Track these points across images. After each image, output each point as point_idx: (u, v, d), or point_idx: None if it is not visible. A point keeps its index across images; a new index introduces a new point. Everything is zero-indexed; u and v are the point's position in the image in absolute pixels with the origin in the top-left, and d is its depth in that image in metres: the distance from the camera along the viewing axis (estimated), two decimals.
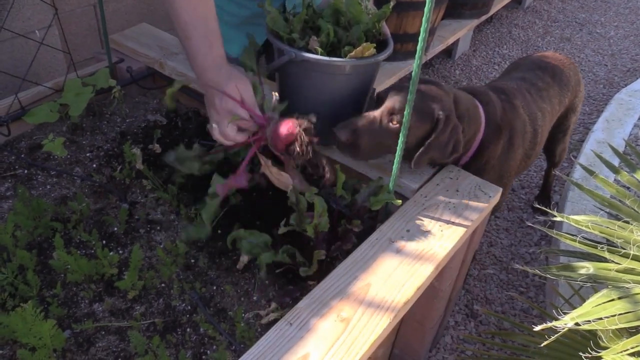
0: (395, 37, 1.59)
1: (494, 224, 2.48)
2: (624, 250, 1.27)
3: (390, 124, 1.30)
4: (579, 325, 1.13)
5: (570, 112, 2.07)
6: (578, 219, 1.36)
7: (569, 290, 1.69)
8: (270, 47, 1.41)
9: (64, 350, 1.11)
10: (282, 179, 1.25)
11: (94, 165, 1.53)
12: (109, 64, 1.72)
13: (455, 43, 3.73)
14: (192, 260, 1.32)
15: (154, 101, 1.79)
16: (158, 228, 1.39)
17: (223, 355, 1.11)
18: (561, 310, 1.19)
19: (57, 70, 2.06)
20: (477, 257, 2.28)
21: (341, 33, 1.36)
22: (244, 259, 1.28)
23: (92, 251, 1.30)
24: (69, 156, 1.54)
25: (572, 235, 1.35)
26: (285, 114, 1.25)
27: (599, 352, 1.14)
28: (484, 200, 1.34)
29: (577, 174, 2.47)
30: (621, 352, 1.13)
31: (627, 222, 1.37)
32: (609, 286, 1.18)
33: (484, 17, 3.85)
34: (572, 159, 2.73)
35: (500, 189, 1.38)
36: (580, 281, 1.24)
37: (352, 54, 1.28)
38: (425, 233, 1.23)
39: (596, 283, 1.23)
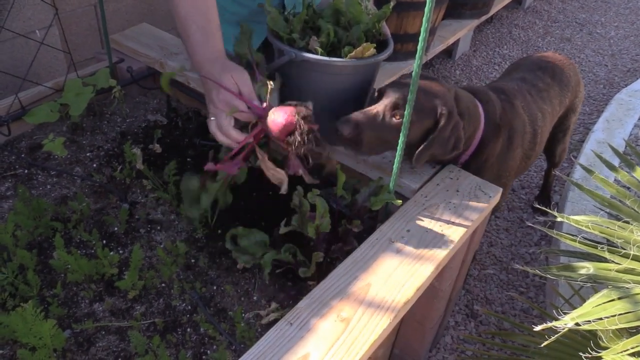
0: (396, 37, 1.60)
1: (494, 224, 2.48)
2: (624, 251, 1.27)
3: (393, 118, 1.30)
4: (579, 325, 1.13)
5: (570, 113, 2.07)
6: (578, 219, 1.36)
7: (569, 290, 1.69)
8: (270, 47, 1.41)
9: (64, 350, 1.11)
10: (277, 174, 1.24)
11: (94, 165, 1.53)
12: (110, 64, 1.72)
13: (456, 43, 3.73)
14: (193, 260, 1.33)
15: (155, 101, 1.79)
16: (158, 228, 1.39)
17: (223, 355, 1.11)
18: (561, 311, 1.19)
19: (58, 70, 2.06)
20: (477, 257, 2.28)
21: (341, 33, 1.36)
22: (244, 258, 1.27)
23: (93, 251, 1.30)
24: (69, 156, 1.54)
25: (572, 235, 1.35)
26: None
27: (599, 352, 1.14)
28: (484, 201, 1.34)
29: (577, 174, 2.47)
30: (621, 352, 1.13)
31: (627, 222, 1.36)
32: (609, 286, 1.18)
33: (484, 17, 3.85)
34: (572, 159, 2.73)
35: (501, 189, 1.38)
36: (580, 281, 1.24)
37: (352, 54, 1.28)
38: (425, 233, 1.23)
39: (596, 283, 1.23)
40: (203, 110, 1.70)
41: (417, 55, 1.06)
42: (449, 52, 3.82)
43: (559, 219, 1.38)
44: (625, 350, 1.13)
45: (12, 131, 1.52)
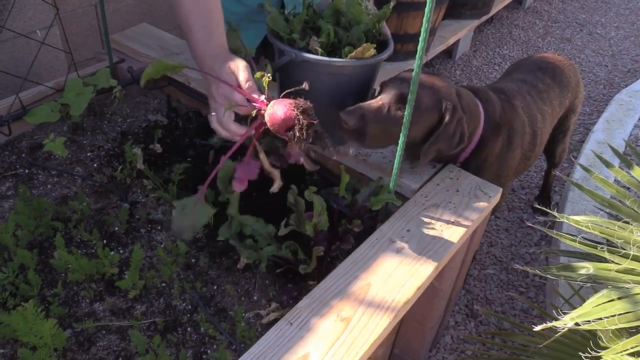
0: (396, 38, 1.60)
1: (494, 224, 2.48)
2: (623, 251, 1.27)
3: (399, 111, 1.29)
4: (579, 325, 1.13)
5: (570, 113, 2.07)
6: (578, 219, 1.36)
7: (569, 290, 1.69)
8: (269, 46, 1.41)
9: (64, 350, 1.11)
10: (272, 172, 1.23)
11: (95, 165, 1.53)
12: (110, 64, 1.72)
13: (456, 43, 3.73)
14: (193, 260, 1.33)
15: (155, 101, 1.79)
16: (159, 228, 1.40)
17: (223, 354, 1.11)
18: (561, 311, 1.19)
19: (58, 70, 2.07)
20: (477, 257, 2.28)
21: (341, 33, 1.36)
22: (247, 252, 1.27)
23: (93, 251, 1.30)
24: (69, 156, 1.54)
25: (572, 235, 1.35)
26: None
27: (598, 352, 1.14)
28: (484, 201, 1.34)
29: (577, 174, 2.47)
30: (621, 352, 1.13)
31: (627, 223, 1.37)
32: (609, 286, 1.18)
33: (484, 18, 3.86)
34: (572, 159, 2.73)
35: (500, 189, 1.38)
36: (580, 281, 1.24)
37: (353, 54, 1.28)
38: (425, 233, 1.23)
39: (596, 283, 1.23)
40: (203, 110, 1.71)
41: (417, 56, 1.07)
42: (449, 53, 3.82)
43: (559, 219, 1.39)
44: (624, 350, 1.13)
45: (12, 131, 1.52)
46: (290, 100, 1.12)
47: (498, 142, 1.56)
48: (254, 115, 1.18)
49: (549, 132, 1.94)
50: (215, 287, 1.27)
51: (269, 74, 1.18)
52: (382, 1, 1.43)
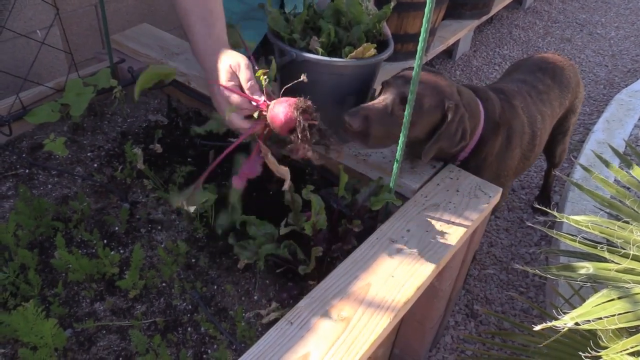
0: (396, 38, 1.60)
1: (494, 224, 2.48)
2: (623, 251, 1.27)
3: (402, 112, 1.29)
4: (579, 325, 1.13)
5: (570, 114, 2.07)
6: (578, 219, 1.36)
7: (569, 290, 1.70)
8: (269, 44, 1.41)
9: (65, 350, 1.11)
10: (281, 170, 1.22)
11: (95, 165, 1.53)
12: (110, 64, 1.72)
13: (456, 43, 3.74)
14: (193, 260, 1.33)
15: (155, 101, 1.79)
16: (159, 228, 1.40)
17: (224, 354, 1.11)
18: (561, 310, 1.19)
19: (59, 70, 2.07)
20: (477, 257, 2.28)
21: (342, 33, 1.36)
22: (246, 254, 1.27)
23: (94, 250, 1.30)
24: (70, 156, 1.54)
25: (572, 235, 1.35)
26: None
27: (598, 352, 1.14)
28: (484, 201, 1.34)
29: (577, 174, 2.47)
30: (621, 351, 1.14)
31: (627, 222, 1.37)
32: (609, 286, 1.18)
33: (484, 18, 3.86)
34: (572, 159, 2.74)
35: (500, 189, 1.39)
36: (580, 281, 1.24)
37: (353, 54, 1.28)
38: (425, 233, 1.23)
39: (596, 283, 1.24)
40: (203, 110, 1.71)
41: (417, 56, 1.07)
42: (449, 53, 3.82)
43: (559, 219, 1.39)
44: (624, 350, 1.13)
45: (13, 131, 1.52)
46: (291, 101, 1.10)
47: (497, 141, 1.56)
48: (256, 116, 1.18)
49: (549, 133, 1.94)
50: (215, 287, 1.27)
51: (268, 75, 1.16)
52: (382, 1, 1.43)
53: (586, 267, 1.26)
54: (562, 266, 1.29)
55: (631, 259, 1.24)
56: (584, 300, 1.19)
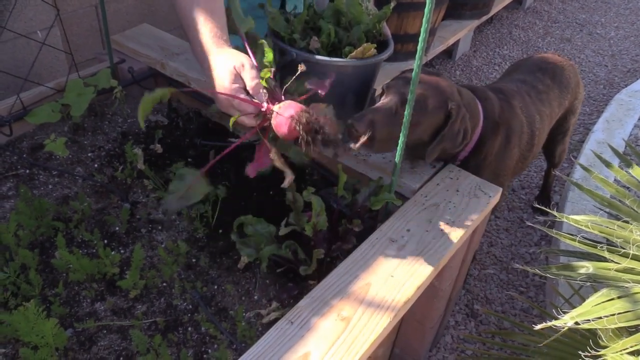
0: (396, 38, 1.60)
1: (494, 224, 2.48)
2: (623, 250, 1.27)
3: None
4: (579, 324, 1.13)
5: (569, 114, 2.07)
6: (578, 219, 1.36)
7: (569, 289, 1.70)
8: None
9: (66, 349, 1.11)
10: (284, 169, 1.22)
11: (96, 165, 1.53)
12: (111, 65, 1.72)
13: (456, 44, 3.74)
14: (193, 260, 1.33)
15: None
16: (159, 228, 1.40)
17: (224, 354, 1.11)
18: (561, 310, 1.19)
19: (59, 71, 2.07)
20: (477, 257, 2.28)
21: (342, 33, 1.36)
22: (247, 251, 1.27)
23: (94, 250, 1.30)
24: (70, 156, 1.54)
25: (572, 235, 1.36)
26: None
27: (598, 351, 1.14)
28: (484, 200, 1.34)
29: (577, 174, 2.48)
30: (620, 351, 1.14)
31: (627, 222, 1.37)
32: (609, 286, 1.19)
33: (484, 18, 3.86)
34: (572, 159, 2.74)
35: (500, 189, 1.39)
36: (580, 281, 1.24)
37: (353, 54, 1.28)
38: (425, 233, 1.24)
39: (596, 282, 1.24)
40: (204, 110, 1.71)
41: (417, 56, 1.07)
42: (449, 53, 3.82)
43: (558, 219, 1.39)
44: (624, 349, 1.13)
45: (13, 131, 1.52)
46: (293, 112, 1.09)
47: (497, 141, 1.56)
48: (260, 116, 1.17)
49: (547, 133, 1.94)
50: (215, 287, 1.28)
51: (275, 76, 1.16)
52: (382, 1, 1.44)
53: (586, 267, 1.26)
54: (562, 266, 1.29)
55: (631, 259, 1.24)
56: (583, 300, 1.19)
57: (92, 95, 1.57)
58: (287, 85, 1.17)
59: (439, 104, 1.33)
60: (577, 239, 1.31)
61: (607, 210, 1.57)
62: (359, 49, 1.27)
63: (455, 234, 1.24)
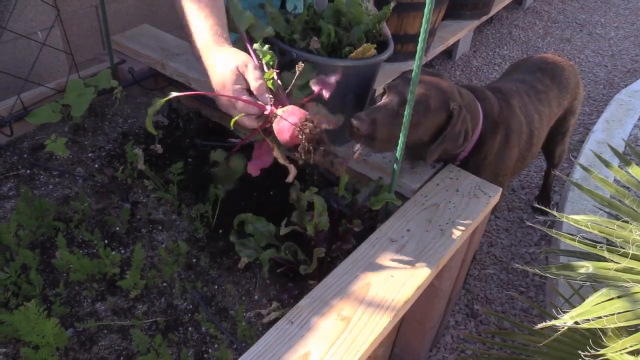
0: (396, 38, 1.60)
1: (494, 224, 2.48)
2: (623, 250, 1.27)
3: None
4: (579, 324, 1.14)
5: (569, 115, 2.07)
6: (578, 219, 1.37)
7: (569, 289, 1.70)
8: (269, 43, 1.41)
9: (66, 349, 1.12)
10: (287, 165, 1.22)
11: (96, 166, 1.54)
12: (111, 65, 1.73)
13: (456, 44, 3.74)
14: (194, 260, 1.33)
15: None
16: (160, 228, 1.40)
17: (224, 353, 1.11)
18: (561, 310, 1.19)
19: (59, 71, 2.07)
20: (477, 257, 2.29)
21: (342, 34, 1.37)
22: (247, 252, 1.27)
23: (95, 251, 1.31)
24: (71, 156, 1.54)
25: (572, 235, 1.36)
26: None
27: (598, 351, 1.15)
28: (483, 200, 1.34)
29: (577, 174, 2.48)
30: (620, 350, 1.14)
31: (627, 222, 1.37)
32: (608, 285, 1.19)
33: (484, 18, 3.86)
34: (572, 159, 2.74)
35: (500, 189, 1.39)
36: (579, 280, 1.24)
37: (353, 54, 1.28)
38: (425, 233, 1.24)
39: (596, 282, 1.24)
40: (204, 110, 1.71)
41: (417, 56, 1.07)
42: (449, 53, 3.82)
43: (558, 219, 1.39)
44: (624, 349, 1.14)
45: (14, 132, 1.53)
46: (296, 120, 1.09)
47: (496, 140, 1.57)
48: (262, 118, 1.17)
49: (546, 133, 1.94)
50: (216, 287, 1.28)
51: (279, 77, 1.15)
52: (382, 2, 1.44)
53: (586, 267, 1.26)
54: (562, 265, 1.29)
55: (630, 258, 1.25)
56: (583, 300, 1.20)
57: (93, 96, 1.57)
58: (289, 89, 1.17)
59: (441, 104, 1.33)
60: (577, 238, 1.32)
61: (607, 210, 1.57)
62: (359, 49, 1.28)
63: (455, 234, 1.24)
